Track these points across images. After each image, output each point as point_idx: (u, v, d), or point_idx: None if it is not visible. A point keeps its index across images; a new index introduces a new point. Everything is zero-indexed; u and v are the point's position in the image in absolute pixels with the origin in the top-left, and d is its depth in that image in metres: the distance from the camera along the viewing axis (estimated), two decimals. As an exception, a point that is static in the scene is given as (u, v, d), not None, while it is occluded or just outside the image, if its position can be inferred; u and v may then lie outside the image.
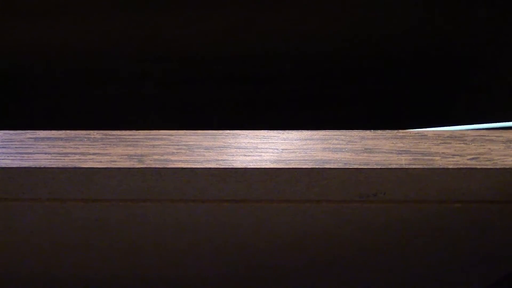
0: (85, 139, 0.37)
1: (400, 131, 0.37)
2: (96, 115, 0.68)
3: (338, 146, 0.37)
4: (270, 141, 0.37)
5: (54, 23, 0.54)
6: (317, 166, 0.36)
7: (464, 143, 0.37)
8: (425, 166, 0.36)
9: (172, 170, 0.36)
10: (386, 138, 0.37)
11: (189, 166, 0.36)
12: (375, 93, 0.64)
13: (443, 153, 0.36)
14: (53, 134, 0.37)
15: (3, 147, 0.36)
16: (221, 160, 0.36)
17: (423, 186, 0.38)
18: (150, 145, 0.37)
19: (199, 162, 0.36)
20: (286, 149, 0.36)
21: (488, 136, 0.37)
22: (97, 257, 0.53)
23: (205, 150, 0.36)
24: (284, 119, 0.68)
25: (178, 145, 0.37)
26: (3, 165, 0.36)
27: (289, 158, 0.36)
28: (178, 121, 0.69)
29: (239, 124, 0.69)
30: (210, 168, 0.36)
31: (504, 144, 0.37)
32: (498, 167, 0.36)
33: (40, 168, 0.36)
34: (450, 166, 0.36)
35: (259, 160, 0.36)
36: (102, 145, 0.37)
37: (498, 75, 0.56)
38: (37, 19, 0.53)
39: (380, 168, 0.36)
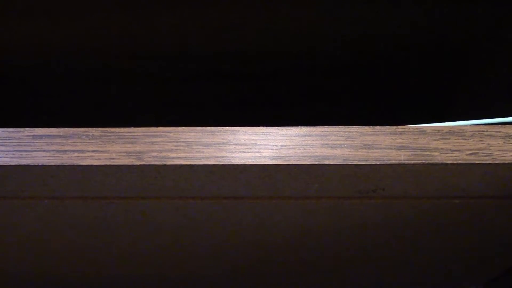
0: (84, 137, 0.37)
1: (399, 126, 0.37)
2: (94, 113, 0.68)
3: (337, 142, 0.37)
4: (269, 138, 0.37)
5: (51, 22, 0.54)
6: (316, 162, 0.36)
7: (463, 139, 0.37)
8: (424, 162, 0.36)
9: (171, 167, 0.36)
10: (385, 134, 0.37)
11: (187, 163, 0.36)
12: (373, 89, 0.64)
13: (442, 148, 0.36)
14: (51, 132, 0.37)
15: (1, 145, 0.36)
16: (220, 157, 0.36)
17: (422, 181, 0.38)
18: (149, 142, 0.37)
19: (197, 159, 0.36)
20: (285, 146, 0.36)
21: (487, 131, 0.37)
22: (96, 254, 0.53)
23: (203, 147, 0.36)
24: (282, 115, 0.68)
25: (176, 142, 0.37)
26: (1, 163, 0.36)
27: (288, 155, 0.36)
28: (176, 118, 0.68)
29: (237, 120, 0.69)
30: (209, 165, 0.36)
31: (503, 140, 0.37)
32: (497, 162, 0.36)
33: (38, 165, 0.36)
34: (449, 162, 0.36)
35: (258, 156, 0.36)
36: (100, 143, 0.36)
37: (497, 70, 0.56)
38: (34, 19, 0.53)
39: (379, 164, 0.36)
